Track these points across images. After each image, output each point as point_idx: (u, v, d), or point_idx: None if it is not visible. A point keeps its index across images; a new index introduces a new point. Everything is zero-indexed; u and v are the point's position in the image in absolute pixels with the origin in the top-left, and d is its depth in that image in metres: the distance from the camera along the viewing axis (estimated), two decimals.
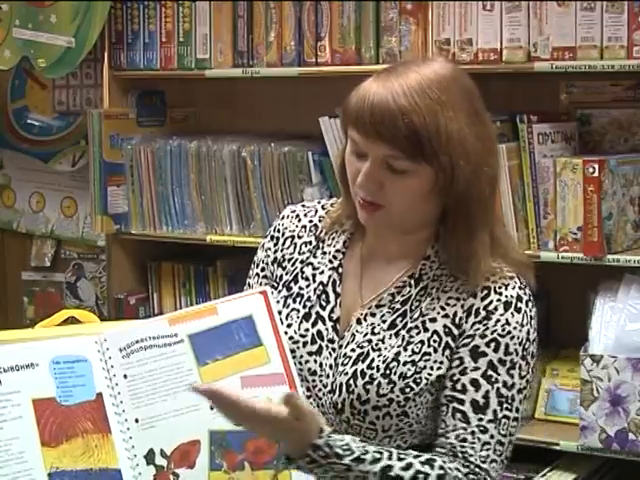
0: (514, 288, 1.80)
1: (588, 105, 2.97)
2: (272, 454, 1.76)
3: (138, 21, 3.30)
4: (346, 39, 2.99)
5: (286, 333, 1.86)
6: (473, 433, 1.75)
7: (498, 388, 1.76)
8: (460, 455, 1.75)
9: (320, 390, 1.84)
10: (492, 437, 1.76)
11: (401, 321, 1.81)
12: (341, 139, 2.94)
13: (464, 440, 1.75)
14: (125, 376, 1.75)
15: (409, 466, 1.71)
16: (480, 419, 1.75)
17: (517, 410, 1.79)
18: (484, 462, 1.75)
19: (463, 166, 1.73)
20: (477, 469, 1.74)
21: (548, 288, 2.79)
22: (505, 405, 1.77)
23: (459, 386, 1.77)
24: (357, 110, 1.76)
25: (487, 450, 1.75)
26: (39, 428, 1.69)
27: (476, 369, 1.76)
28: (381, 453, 1.70)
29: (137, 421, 1.73)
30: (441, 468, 1.72)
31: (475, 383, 1.76)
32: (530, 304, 1.82)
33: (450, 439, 1.76)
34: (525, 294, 1.81)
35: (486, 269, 1.79)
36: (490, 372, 1.76)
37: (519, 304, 1.79)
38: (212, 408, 1.73)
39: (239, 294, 1.86)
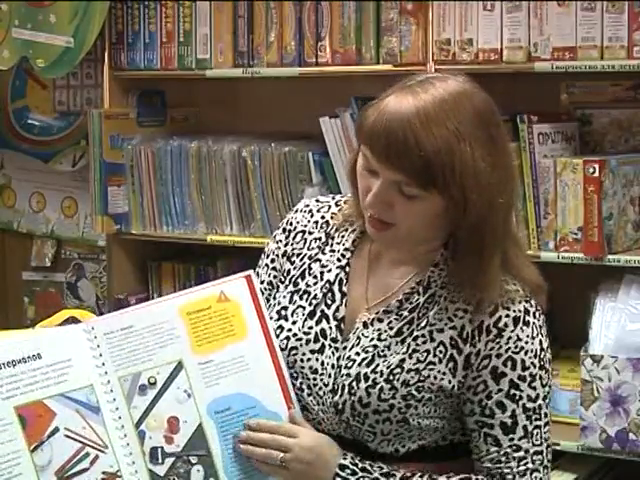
0: (520, 302, 1.79)
1: (588, 105, 2.97)
2: None
3: (138, 21, 3.30)
4: (346, 39, 2.99)
5: (290, 330, 1.87)
6: (506, 454, 1.78)
7: (524, 404, 1.77)
8: (498, 476, 1.78)
9: (321, 389, 1.84)
10: (527, 451, 1.78)
11: (408, 329, 1.81)
12: (342, 139, 2.99)
13: (499, 462, 1.78)
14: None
15: None
16: (511, 439, 1.77)
17: (546, 415, 1.80)
18: (523, 475, 1.77)
19: (475, 200, 1.70)
20: None
21: (548, 288, 2.77)
22: (534, 417, 1.78)
23: (487, 411, 1.78)
24: (372, 131, 1.72)
25: (525, 465, 1.78)
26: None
27: (499, 391, 1.77)
28: (413, 475, 1.77)
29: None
30: None
31: (501, 405, 1.77)
32: (537, 314, 1.82)
33: (485, 463, 1.79)
34: (532, 306, 1.81)
35: (495, 294, 1.77)
36: (513, 391, 1.77)
37: (527, 317, 1.79)
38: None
39: (223, 279, 1.84)
